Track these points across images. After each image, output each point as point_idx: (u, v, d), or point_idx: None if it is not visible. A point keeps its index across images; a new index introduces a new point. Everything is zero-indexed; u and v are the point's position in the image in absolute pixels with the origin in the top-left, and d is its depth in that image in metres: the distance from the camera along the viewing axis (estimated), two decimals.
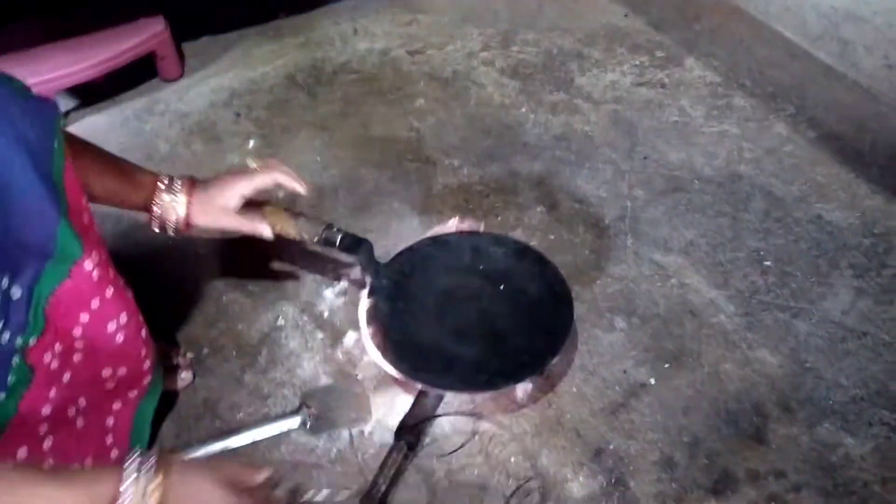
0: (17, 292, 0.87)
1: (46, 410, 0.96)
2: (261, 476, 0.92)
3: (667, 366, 1.27)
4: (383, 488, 1.10)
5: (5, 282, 0.86)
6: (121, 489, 0.79)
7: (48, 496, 0.76)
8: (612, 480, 1.14)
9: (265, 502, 0.92)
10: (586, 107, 1.77)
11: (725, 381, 1.25)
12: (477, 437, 1.19)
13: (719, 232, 1.48)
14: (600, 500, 1.12)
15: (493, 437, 1.19)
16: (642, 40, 2.00)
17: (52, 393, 0.97)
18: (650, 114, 1.75)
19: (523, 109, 1.76)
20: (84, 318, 0.97)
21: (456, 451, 1.16)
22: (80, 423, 1.02)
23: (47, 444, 0.97)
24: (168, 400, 1.23)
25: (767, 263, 1.42)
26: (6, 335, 0.87)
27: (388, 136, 1.70)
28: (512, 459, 1.16)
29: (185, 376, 1.26)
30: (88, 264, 0.95)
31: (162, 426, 1.21)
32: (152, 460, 0.82)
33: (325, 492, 1.11)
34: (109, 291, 0.99)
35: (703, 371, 1.27)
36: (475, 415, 1.21)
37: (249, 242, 1.44)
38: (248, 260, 1.44)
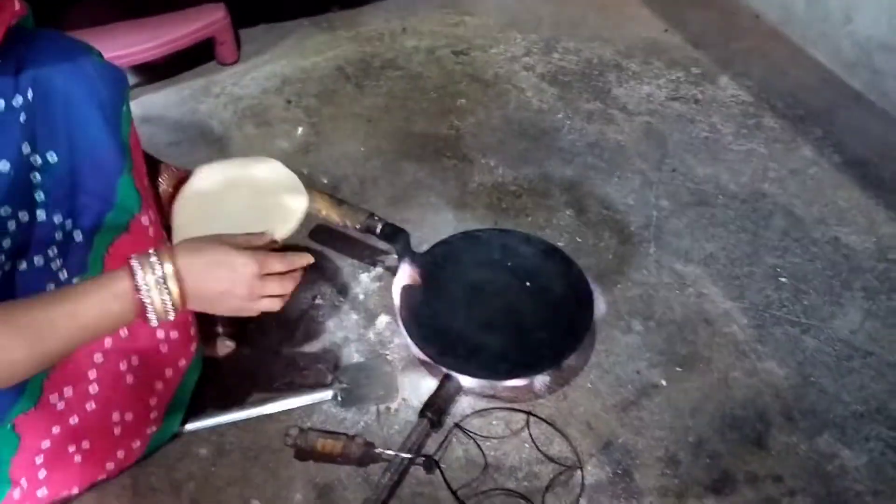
0: (78, 235, 0.97)
1: (98, 358, 1.05)
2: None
3: (678, 369, 1.35)
4: (406, 461, 1.19)
5: (69, 224, 0.96)
6: (136, 279, 0.84)
7: (70, 313, 0.81)
8: (619, 471, 1.22)
9: (281, 286, 0.96)
10: (621, 117, 1.85)
11: (733, 387, 1.33)
12: (494, 421, 1.27)
13: (739, 247, 1.55)
14: (606, 489, 1.20)
15: (509, 423, 1.27)
16: (679, 56, 2.06)
17: (108, 342, 1.06)
18: (681, 128, 1.81)
19: (560, 115, 1.84)
20: None
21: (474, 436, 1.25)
22: (129, 378, 1.11)
23: (93, 389, 1.06)
24: (210, 366, 1.32)
25: (783, 280, 1.49)
26: (64, 274, 0.97)
27: (428, 131, 1.78)
28: (526, 445, 1.25)
29: (228, 344, 1.35)
30: (145, 220, 1.03)
31: (204, 389, 1.30)
32: (153, 252, 0.86)
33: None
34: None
35: (713, 377, 1.34)
36: (494, 398, 1.30)
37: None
38: (291, 240, 1.53)
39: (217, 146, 1.74)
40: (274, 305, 0.98)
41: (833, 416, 1.29)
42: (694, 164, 1.72)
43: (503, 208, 1.61)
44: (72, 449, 1.07)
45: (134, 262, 0.85)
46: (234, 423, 1.26)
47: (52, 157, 0.92)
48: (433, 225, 1.57)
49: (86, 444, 1.09)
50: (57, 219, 0.95)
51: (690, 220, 1.60)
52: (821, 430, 1.27)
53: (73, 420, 1.06)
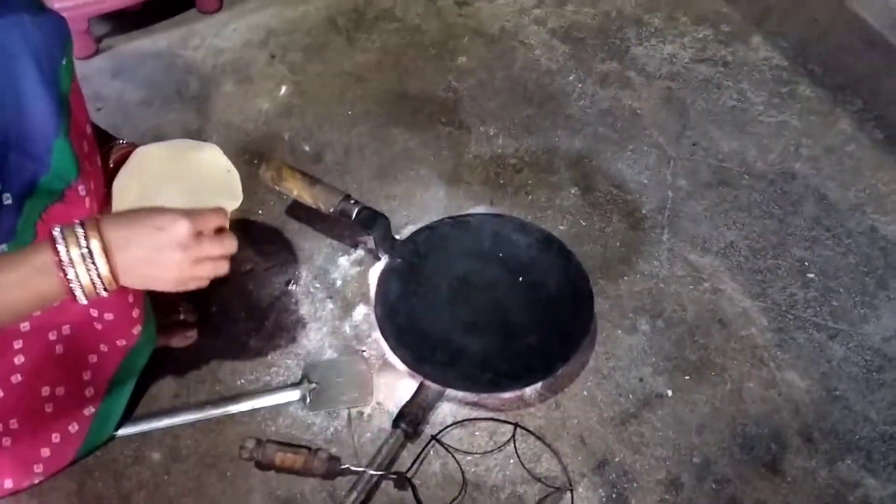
0: (7, 198, 0.87)
1: (25, 327, 0.96)
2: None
3: (687, 378, 1.21)
4: (375, 478, 1.08)
5: None
6: (59, 252, 0.76)
7: None
8: (613, 495, 1.09)
9: (220, 244, 0.86)
10: (638, 81, 1.66)
11: (747, 401, 1.19)
12: (477, 433, 1.15)
13: (763, 235, 1.39)
14: None
15: (493, 436, 1.14)
16: (708, 10, 1.85)
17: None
18: (706, 95, 1.63)
19: (571, 78, 1.66)
20: None
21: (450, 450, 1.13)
22: (59, 349, 1.01)
23: (19, 360, 0.97)
24: (169, 357, 1.21)
25: (810, 276, 1.33)
26: None
27: (423, 93, 1.62)
28: (511, 461, 1.12)
29: (189, 335, 1.23)
30: (82, 189, 0.93)
31: (161, 383, 1.19)
32: (78, 222, 0.78)
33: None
34: None
35: (725, 388, 1.20)
36: (477, 406, 1.17)
37: (267, 198, 1.41)
38: (266, 216, 1.40)
39: (193, 106, 1.59)
40: (217, 269, 0.87)
41: (858, 439, 1.15)
42: (718, 138, 1.54)
43: (501, 184, 1.46)
44: None
45: (56, 234, 0.77)
46: (192, 424, 1.16)
47: None
48: (422, 203, 1.42)
49: (14, 423, 1.00)
50: None
51: (710, 202, 1.44)
52: (843, 455, 1.13)
53: None
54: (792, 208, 1.43)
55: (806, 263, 1.35)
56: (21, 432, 0.99)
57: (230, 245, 0.88)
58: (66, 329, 1.00)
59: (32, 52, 0.83)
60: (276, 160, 1.28)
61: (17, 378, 0.96)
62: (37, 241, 0.80)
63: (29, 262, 0.76)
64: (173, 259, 0.82)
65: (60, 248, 0.76)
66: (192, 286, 0.86)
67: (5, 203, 0.86)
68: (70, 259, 0.76)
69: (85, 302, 0.79)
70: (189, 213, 0.83)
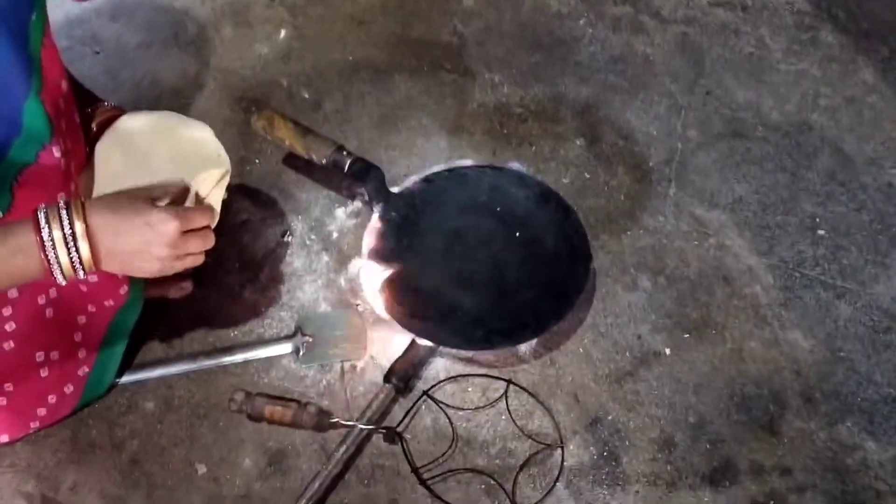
0: None
1: (13, 293, 0.95)
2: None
3: (686, 336, 1.19)
4: (366, 432, 1.08)
5: None
6: (42, 233, 0.79)
7: None
8: (605, 453, 1.09)
9: (203, 241, 0.91)
10: (652, 25, 1.59)
11: (748, 360, 1.16)
12: (470, 389, 1.14)
13: (774, 190, 1.34)
14: (588, 473, 1.07)
15: (485, 392, 1.13)
16: None
17: None
18: (723, 41, 1.56)
19: (581, 22, 1.59)
20: None
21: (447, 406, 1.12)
22: (48, 312, 1.00)
23: (10, 327, 0.96)
24: (164, 308, 1.20)
25: (821, 233, 1.29)
26: None
27: (427, 38, 1.56)
28: (503, 418, 1.11)
29: (184, 286, 1.22)
30: (56, 151, 0.91)
31: (155, 334, 1.19)
32: (63, 204, 0.80)
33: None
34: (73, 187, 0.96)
35: (726, 347, 1.18)
36: (471, 362, 1.16)
37: (264, 146, 1.39)
38: (263, 166, 1.37)
39: (191, 49, 1.55)
40: (197, 261, 0.93)
41: (861, 401, 1.13)
42: (733, 87, 1.48)
43: (504, 134, 1.41)
44: None
45: (41, 215, 0.80)
46: (186, 375, 1.16)
47: None
48: (422, 153, 1.38)
49: (9, 387, 1.00)
50: None
51: (721, 155, 1.38)
52: (844, 417, 1.11)
53: None
54: (806, 162, 1.37)
55: (817, 220, 1.30)
56: (17, 395, 1.00)
57: (211, 241, 0.93)
58: (53, 292, 0.99)
59: None
60: (268, 109, 1.25)
61: (9, 345, 0.96)
62: (19, 220, 0.81)
63: (10, 241, 0.79)
64: (158, 254, 0.86)
65: (43, 229, 0.79)
66: (165, 275, 0.90)
67: None
68: (52, 240, 0.79)
69: (63, 283, 0.82)
70: (179, 214, 0.87)
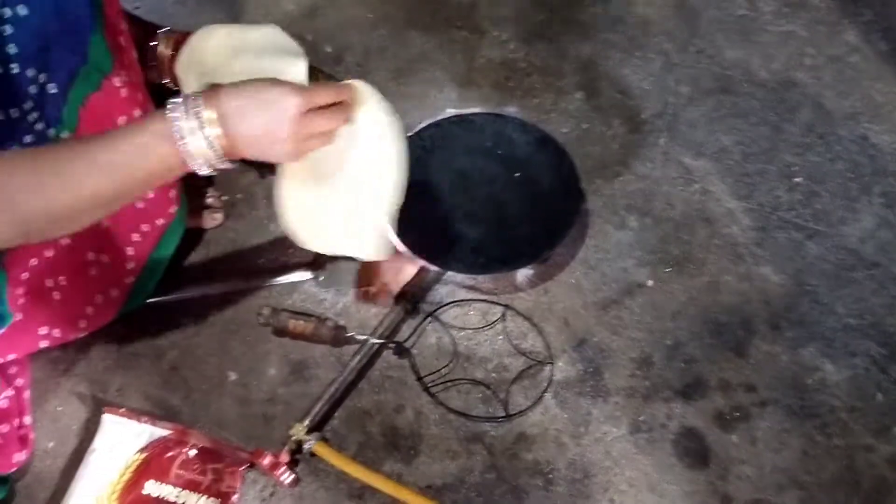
0: (52, 88, 0.98)
1: None
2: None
3: (668, 270, 1.31)
4: (377, 346, 1.21)
5: (43, 77, 0.97)
6: (174, 124, 0.80)
7: (102, 163, 0.78)
8: (590, 369, 1.22)
9: (329, 119, 0.92)
10: None
11: (722, 292, 1.29)
12: (471, 312, 1.27)
13: (756, 141, 1.45)
14: (574, 385, 1.20)
15: (484, 315, 1.27)
16: None
17: None
18: (718, 3, 1.65)
19: None
20: None
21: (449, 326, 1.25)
22: (105, 223, 1.13)
23: None
24: (197, 237, 1.34)
25: (797, 180, 1.40)
26: (41, 125, 0.99)
27: None
28: (500, 338, 1.25)
29: (216, 217, 1.36)
30: (118, 81, 1.05)
31: (191, 259, 1.33)
32: (192, 94, 0.82)
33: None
34: (137, 113, 1.09)
35: (703, 279, 1.30)
36: (473, 289, 1.29)
37: None
38: None
39: (224, 6, 1.67)
40: (325, 141, 0.95)
41: (822, 329, 1.25)
42: (724, 46, 1.58)
43: (510, 87, 1.53)
44: (49, 283, 1.09)
45: (170, 107, 0.82)
46: (218, 296, 1.30)
47: (23, 10, 0.91)
48: (435, 103, 1.50)
49: (62, 280, 1.11)
50: (30, 73, 0.95)
51: (709, 108, 1.50)
52: (806, 342, 1.23)
53: (49, 252, 1.07)
54: (788, 115, 1.48)
55: (794, 168, 1.41)
56: (69, 289, 1.11)
57: (339, 120, 0.94)
58: None
59: None
60: None
61: (66, 241, 1.08)
62: (151, 113, 0.84)
63: (145, 136, 0.80)
64: (285, 133, 0.86)
65: (175, 120, 0.81)
66: (300, 157, 0.93)
67: (51, 92, 0.98)
68: (186, 128, 0.81)
69: (204, 171, 0.85)
70: (301, 89, 0.87)
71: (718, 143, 1.45)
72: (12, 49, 0.92)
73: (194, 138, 0.81)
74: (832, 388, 1.19)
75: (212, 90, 0.84)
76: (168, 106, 0.82)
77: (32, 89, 0.96)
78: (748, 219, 1.36)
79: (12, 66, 0.93)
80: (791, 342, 1.23)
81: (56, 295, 1.11)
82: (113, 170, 0.79)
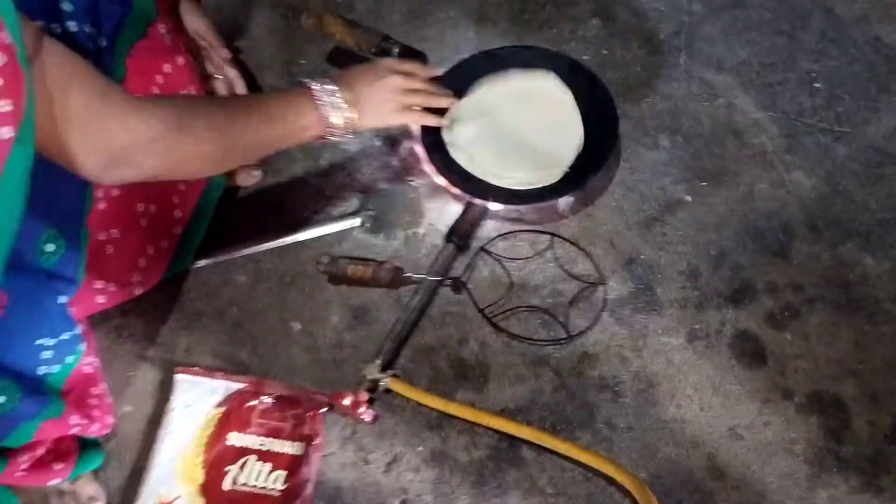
0: (103, 41, 1.00)
1: None
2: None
3: (704, 184, 1.34)
4: (435, 283, 1.24)
5: (94, 32, 0.98)
6: (319, 100, 1.08)
7: (273, 115, 1.03)
8: (641, 286, 1.26)
9: (423, 83, 1.25)
10: None
11: (758, 200, 1.33)
12: (519, 243, 1.30)
13: (773, 51, 1.48)
14: (628, 302, 1.24)
15: (533, 245, 1.30)
16: None
17: None
18: None
19: None
20: (159, 79, 1.09)
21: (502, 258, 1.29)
22: None
23: None
24: (239, 196, 1.36)
25: (817, 86, 1.43)
26: None
27: None
28: (550, 265, 1.28)
29: (255, 174, 1.37)
30: (162, 27, 1.08)
31: (236, 217, 1.35)
32: (328, 83, 1.10)
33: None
34: (180, 60, 1.12)
35: (739, 190, 1.34)
36: (520, 221, 1.32)
37: (307, 48, 1.51)
38: (308, 66, 1.50)
39: None
40: (423, 119, 1.29)
41: (858, 225, 1.29)
42: None
43: (526, 20, 1.54)
44: (103, 237, 1.10)
45: (314, 86, 1.08)
46: (269, 251, 1.32)
47: None
48: (453, 42, 1.51)
49: (115, 233, 1.12)
50: (87, 28, 0.96)
51: (724, 24, 1.52)
52: (845, 240, 1.28)
53: (102, 205, 1.08)
54: (800, 24, 1.51)
55: (813, 74, 1.45)
56: (121, 241, 1.12)
57: (433, 100, 1.26)
58: None
59: None
60: (315, 8, 1.37)
61: (115, 192, 1.09)
62: (295, 90, 1.09)
63: (297, 109, 1.06)
64: (390, 98, 1.17)
65: (320, 100, 1.08)
66: (412, 116, 1.25)
67: (103, 45, 1.00)
68: (329, 105, 1.09)
69: (339, 138, 1.13)
70: (394, 62, 1.22)
71: (737, 57, 1.48)
72: (67, 6, 0.93)
73: (336, 113, 1.09)
74: (874, 279, 1.24)
75: (339, 77, 1.12)
76: (313, 86, 1.08)
77: (90, 45, 0.97)
78: (775, 127, 1.39)
79: (70, 23, 0.94)
80: (830, 241, 1.28)
81: (109, 248, 1.11)
82: (277, 123, 1.03)
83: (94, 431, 1.08)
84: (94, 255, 1.07)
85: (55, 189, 0.93)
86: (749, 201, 1.32)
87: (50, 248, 0.94)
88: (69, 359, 1.01)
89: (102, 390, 1.10)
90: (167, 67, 1.09)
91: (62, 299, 0.99)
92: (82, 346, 1.03)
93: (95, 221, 1.07)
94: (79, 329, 1.02)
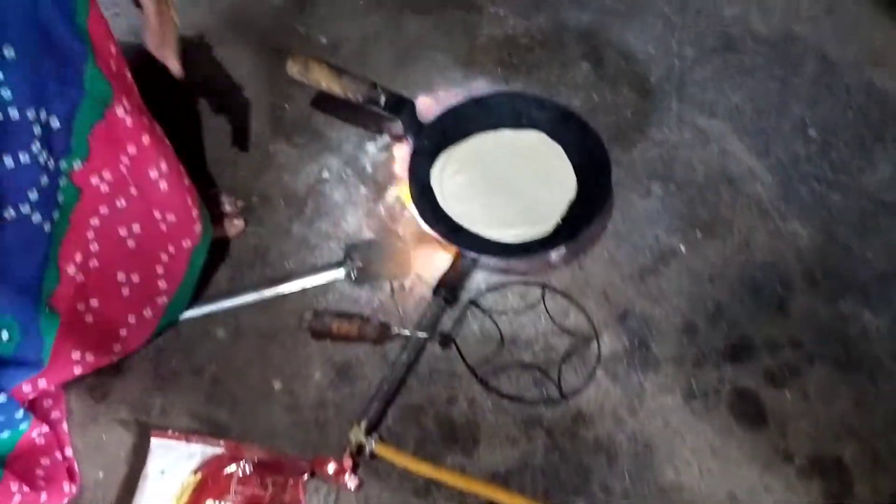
0: (55, 122, 0.94)
1: (94, 222, 1.05)
2: None
3: (699, 233, 1.31)
4: (423, 340, 1.20)
5: (43, 114, 0.93)
6: None
7: None
8: (636, 341, 1.22)
9: None
10: None
11: (755, 250, 1.29)
12: (509, 295, 1.26)
13: (767, 97, 1.46)
14: (623, 359, 1.20)
15: (524, 297, 1.26)
16: None
17: (104, 210, 1.05)
18: None
19: None
20: (125, 160, 1.04)
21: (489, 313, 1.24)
22: (130, 244, 1.10)
23: (94, 247, 1.06)
24: (220, 247, 1.31)
25: (811, 133, 1.41)
26: (52, 162, 0.95)
27: None
28: (542, 318, 1.24)
29: (237, 223, 1.32)
30: (120, 110, 1.01)
31: (216, 270, 1.30)
32: None
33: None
34: (146, 139, 1.05)
35: (734, 240, 1.30)
36: (509, 272, 1.28)
37: (292, 92, 1.47)
38: (293, 110, 1.46)
39: (206, 4, 1.61)
40: None
41: (856, 278, 1.26)
42: (721, 4, 1.58)
43: (514, 64, 1.51)
44: (81, 307, 1.07)
45: None
46: (250, 304, 1.26)
47: (10, 53, 0.86)
48: (441, 86, 1.48)
49: (94, 302, 1.09)
50: (30, 114, 0.91)
51: (716, 68, 1.50)
52: (843, 293, 1.25)
53: (79, 277, 1.06)
54: (793, 69, 1.49)
55: (807, 121, 1.42)
56: (101, 311, 1.08)
57: None
58: (136, 227, 1.09)
59: None
60: (301, 55, 1.32)
61: (94, 263, 1.05)
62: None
63: None
64: None
65: None
66: None
67: (55, 126, 0.94)
68: None
69: None
70: None
71: (729, 102, 1.45)
72: (6, 94, 0.87)
73: None
74: (873, 335, 1.21)
75: None
76: None
77: (36, 129, 0.92)
78: (769, 175, 1.36)
79: (11, 111, 0.88)
80: (829, 294, 1.25)
81: (88, 318, 1.08)
82: None
83: (44, 502, 1.02)
84: (70, 327, 1.03)
85: (3, 276, 0.89)
86: (745, 252, 1.29)
87: (4, 335, 0.89)
88: (4, 434, 0.96)
89: (57, 459, 1.05)
90: (132, 149, 1.03)
91: (21, 384, 0.95)
92: (24, 425, 0.99)
93: (70, 293, 1.03)
94: (21, 409, 0.99)
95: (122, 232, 1.09)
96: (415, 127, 1.30)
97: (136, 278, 1.12)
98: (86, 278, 1.06)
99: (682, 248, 1.30)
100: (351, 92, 1.27)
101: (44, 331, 0.99)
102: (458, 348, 1.20)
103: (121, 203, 1.06)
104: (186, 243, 1.17)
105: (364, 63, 1.52)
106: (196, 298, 1.25)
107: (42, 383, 1.06)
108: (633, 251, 1.30)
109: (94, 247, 1.06)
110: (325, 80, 1.27)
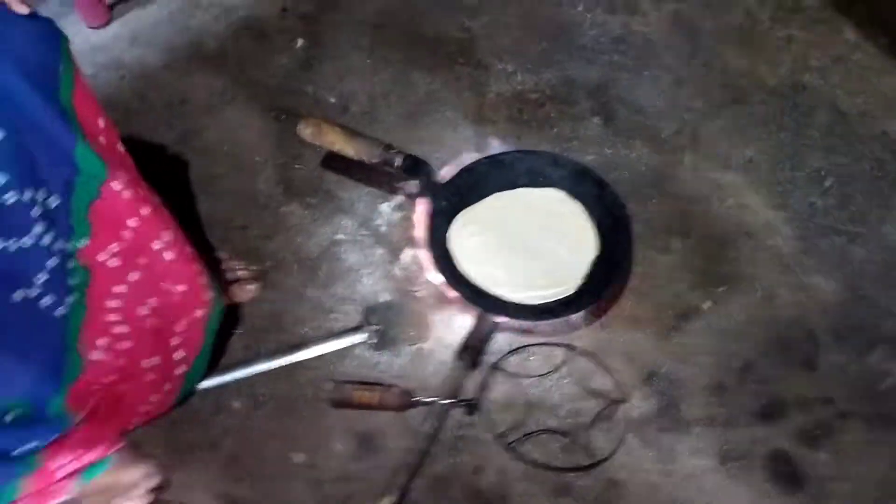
0: (54, 200, 0.91)
1: (113, 303, 1.01)
2: None
3: (721, 289, 1.29)
4: (447, 407, 1.16)
5: (41, 194, 0.89)
6: None
7: None
8: (665, 403, 1.19)
9: None
10: (646, 5, 1.69)
11: (778, 306, 1.28)
12: (532, 358, 1.23)
13: (780, 148, 1.45)
14: (653, 422, 1.17)
15: (547, 359, 1.23)
16: None
17: (120, 289, 1.02)
18: (713, 14, 1.66)
19: (579, 8, 1.68)
20: (127, 234, 1.00)
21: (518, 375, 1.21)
22: (149, 323, 1.06)
23: (119, 330, 1.03)
24: (234, 313, 1.28)
25: (827, 184, 1.40)
26: (58, 243, 0.92)
27: (439, 35, 1.64)
28: (565, 381, 1.21)
29: (250, 288, 1.29)
30: (117, 185, 0.97)
31: (231, 338, 1.26)
32: None
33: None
34: (146, 210, 1.01)
35: (757, 295, 1.29)
36: (530, 334, 1.25)
37: (301, 152, 1.46)
38: (304, 171, 1.44)
39: (214, 65, 1.60)
40: None
41: (883, 331, 1.25)
42: (728, 56, 1.59)
43: (525, 120, 1.50)
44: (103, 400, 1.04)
45: None
46: (266, 373, 1.23)
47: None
48: (452, 144, 1.47)
49: (123, 388, 1.06)
50: (27, 195, 0.87)
51: (726, 121, 1.49)
52: (871, 347, 1.23)
53: (111, 377, 1.03)
54: (805, 120, 1.49)
55: (822, 172, 1.42)
56: (128, 394, 1.07)
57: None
58: (152, 301, 1.06)
59: (24, 68, 0.84)
60: (314, 117, 1.31)
61: (120, 362, 1.03)
62: None
63: None
64: None
65: None
66: None
67: (55, 205, 0.91)
68: None
69: None
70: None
71: (743, 155, 1.45)
72: (1, 178, 0.84)
73: None
74: None
75: None
76: None
77: (36, 211, 0.88)
78: (788, 228, 1.35)
79: (7, 196, 0.85)
80: (856, 349, 1.23)
81: (107, 408, 1.05)
82: None
83: None
84: (100, 417, 1.01)
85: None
86: (769, 308, 1.27)
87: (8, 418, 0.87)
88: None
89: None
90: (133, 222, 1.00)
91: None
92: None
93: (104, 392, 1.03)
94: None
95: (142, 311, 1.05)
96: (431, 187, 1.28)
97: (156, 360, 1.09)
98: (116, 379, 1.04)
99: (705, 305, 1.28)
100: (366, 154, 1.25)
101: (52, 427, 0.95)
102: (483, 415, 1.16)
103: (134, 277, 1.03)
104: (199, 312, 1.13)
105: (374, 121, 1.51)
106: (211, 368, 1.22)
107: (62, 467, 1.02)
108: (656, 309, 1.28)
109: (118, 329, 1.03)
110: (338, 143, 1.26)
